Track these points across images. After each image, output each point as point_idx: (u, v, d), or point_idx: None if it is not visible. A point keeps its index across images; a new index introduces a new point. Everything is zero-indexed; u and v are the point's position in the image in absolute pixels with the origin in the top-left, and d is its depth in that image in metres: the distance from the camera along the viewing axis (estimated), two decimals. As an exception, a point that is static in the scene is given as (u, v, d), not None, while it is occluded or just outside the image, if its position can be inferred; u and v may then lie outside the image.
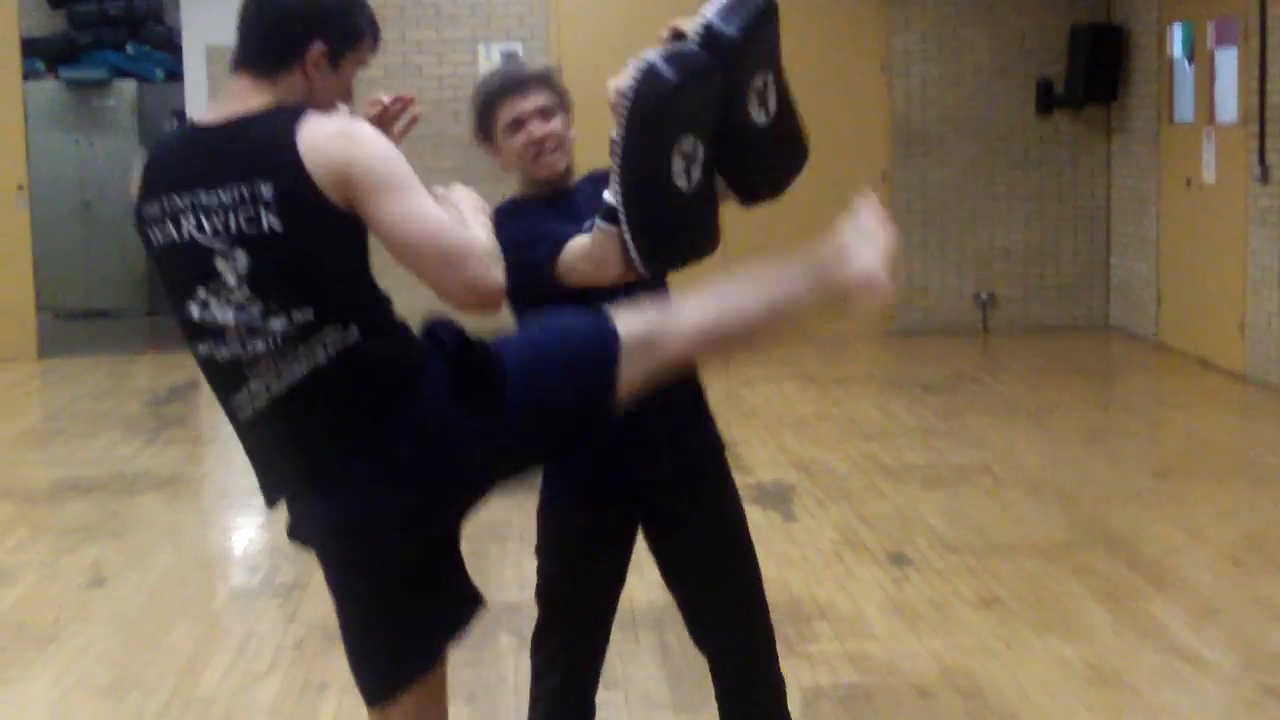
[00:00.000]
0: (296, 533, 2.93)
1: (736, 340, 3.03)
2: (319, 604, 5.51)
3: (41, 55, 13.66)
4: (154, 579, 6.00)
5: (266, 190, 2.68)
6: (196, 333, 2.78)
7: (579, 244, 3.14)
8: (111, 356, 11.68)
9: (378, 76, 11.63)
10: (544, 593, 3.56)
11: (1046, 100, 11.91)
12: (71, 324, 13.54)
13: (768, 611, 3.55)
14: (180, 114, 11.96)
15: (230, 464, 8.36)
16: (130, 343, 12.44)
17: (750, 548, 3.55)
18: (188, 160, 2.78)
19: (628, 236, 2.98)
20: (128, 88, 13.59)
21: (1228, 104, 10.21)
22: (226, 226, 2.70)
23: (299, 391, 2.73)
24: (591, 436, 3.09)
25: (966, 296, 12.11)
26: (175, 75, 12.87)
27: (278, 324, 2.71)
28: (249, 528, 6.95)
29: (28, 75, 13.18)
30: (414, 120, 3.15)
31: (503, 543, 6.31)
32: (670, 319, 2.93)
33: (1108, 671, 4.91)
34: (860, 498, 7.05)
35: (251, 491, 3.20)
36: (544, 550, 3.57)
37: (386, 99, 3.13)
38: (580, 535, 3.51)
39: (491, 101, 3.37)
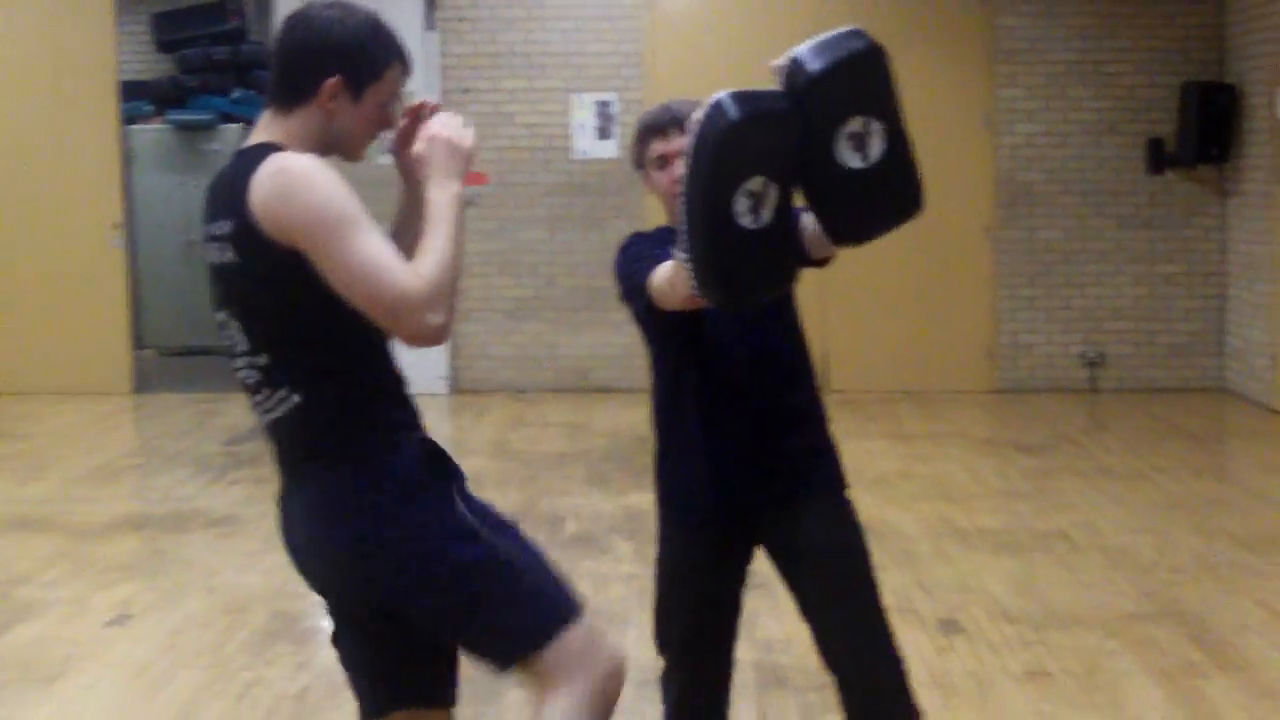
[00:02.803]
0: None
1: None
2: (332, 652, 5.34)
3: (150, 98, 13.82)
4: (177, 620, 5.88)
5: (227, 226, 2.84)
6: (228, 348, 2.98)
7: (665, 267, 3.23)
8: (205, 394, 11.70)
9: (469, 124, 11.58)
10: (659, 623, 3.66)
11: (1157, 159, 11.52)
12: (173, 361, 13.66)
13: (891, 637, 3.48)
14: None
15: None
16: (226, 380, 12.42)
17: (869, 573, 3.51)
18: (212, 188, 2.99)
19: (687, 267, 2.97)
20: (232, 132, 13.66)
21: (1343, 162, 9.79)
22: (216, 255, 2.89)
23: (278, 423, 2.96)
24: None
25: (1073, 355, 11.73)
26: (279, 119, 12.94)
27: (260, 359, 2.90)
28: (288, 570, 6.79)
29: (136, 118, 13.36)
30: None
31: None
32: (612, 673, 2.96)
33: (1147, 755, 4.60)
34: (924, 562, 6.74)
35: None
36: (658, 578, 3.67)
37: (418, 102, 3.14)
38: (689, 563, 3.60)
39: (643, 136, 3.57)
